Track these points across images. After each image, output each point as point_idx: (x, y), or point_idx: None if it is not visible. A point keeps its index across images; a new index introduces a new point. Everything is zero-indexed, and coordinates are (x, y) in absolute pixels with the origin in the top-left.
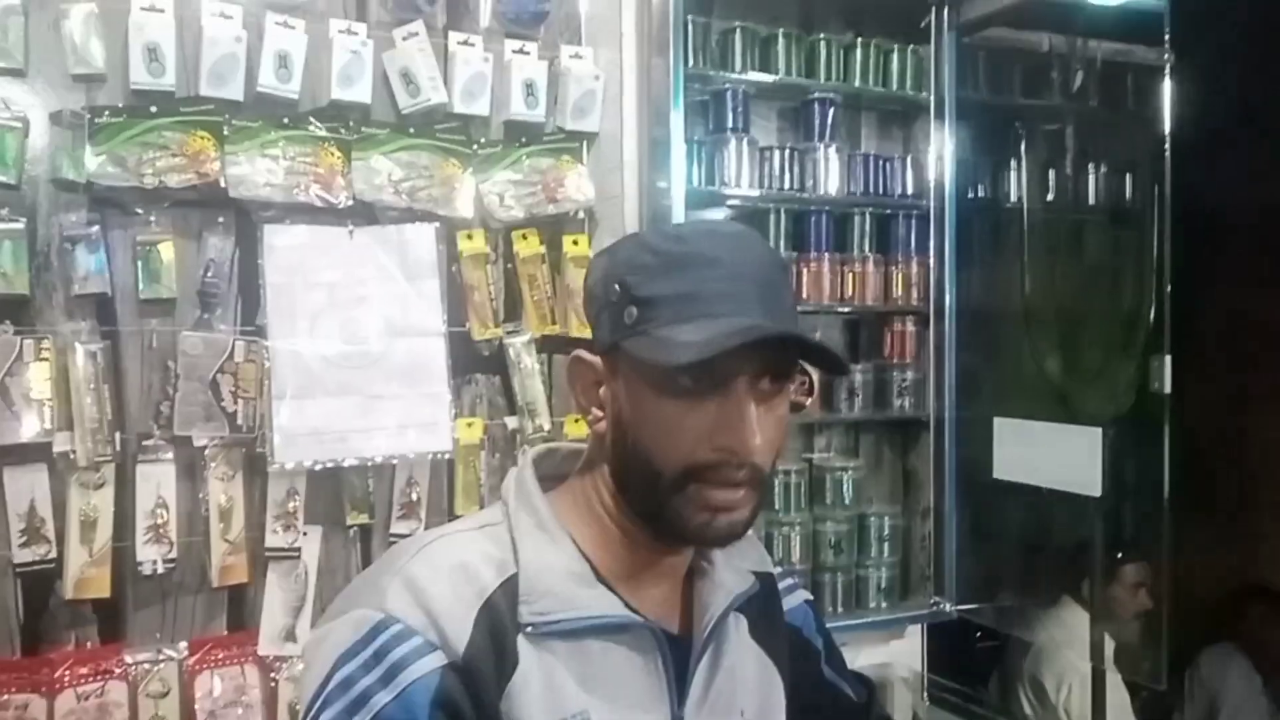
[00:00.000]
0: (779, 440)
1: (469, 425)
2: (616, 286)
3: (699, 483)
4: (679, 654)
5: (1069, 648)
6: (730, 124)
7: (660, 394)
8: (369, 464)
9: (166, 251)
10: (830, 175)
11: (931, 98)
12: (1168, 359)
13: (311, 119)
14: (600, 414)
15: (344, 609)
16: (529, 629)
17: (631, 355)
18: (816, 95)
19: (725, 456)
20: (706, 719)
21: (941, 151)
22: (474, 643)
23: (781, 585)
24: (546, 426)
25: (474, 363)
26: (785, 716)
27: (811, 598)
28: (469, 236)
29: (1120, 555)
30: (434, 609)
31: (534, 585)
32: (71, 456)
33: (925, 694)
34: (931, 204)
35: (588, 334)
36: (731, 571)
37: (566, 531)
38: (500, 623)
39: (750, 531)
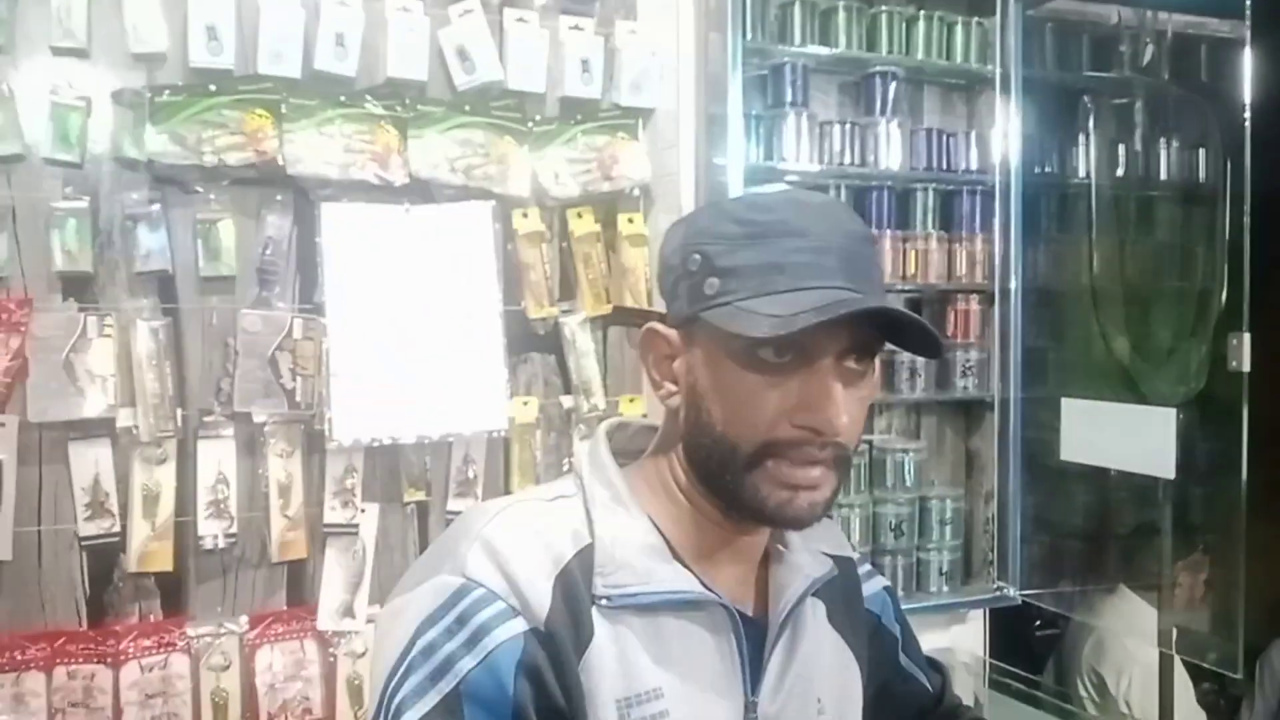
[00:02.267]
0: (862, 419)
1: (524, 404)
2: (697, 256)
3: (778, 459)
4: (754, 637)
5: (1129, 638)
6: (789, 98)
7: (742, 367)
8: (425, 441)
9: (226, 229)
10: (892, 150)
11: (996, 71)
12: (1246, 336)
13: (368, 97)
14: (674, 388)
15: (423, 577)
16: (604, 601)
17: (712, 327)
18: (877, 69)
19: (808, 435)
20: (782, 706)
21: (1006, 127)
22: (554, 609)
23: (861, 570)
24: (601, 405)
25: (529, 341)
26: (861, 705)
27: (890, 584)
28: (524, 215)
29: (1203, 547)
30: (515, 574)
31: (610, 557)
32: (134, 432)
33: (987, 680)
34: (996, 180)
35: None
36: (809, 555)
37: (641, 507)
38: (576, 593)
39: (829, 518)
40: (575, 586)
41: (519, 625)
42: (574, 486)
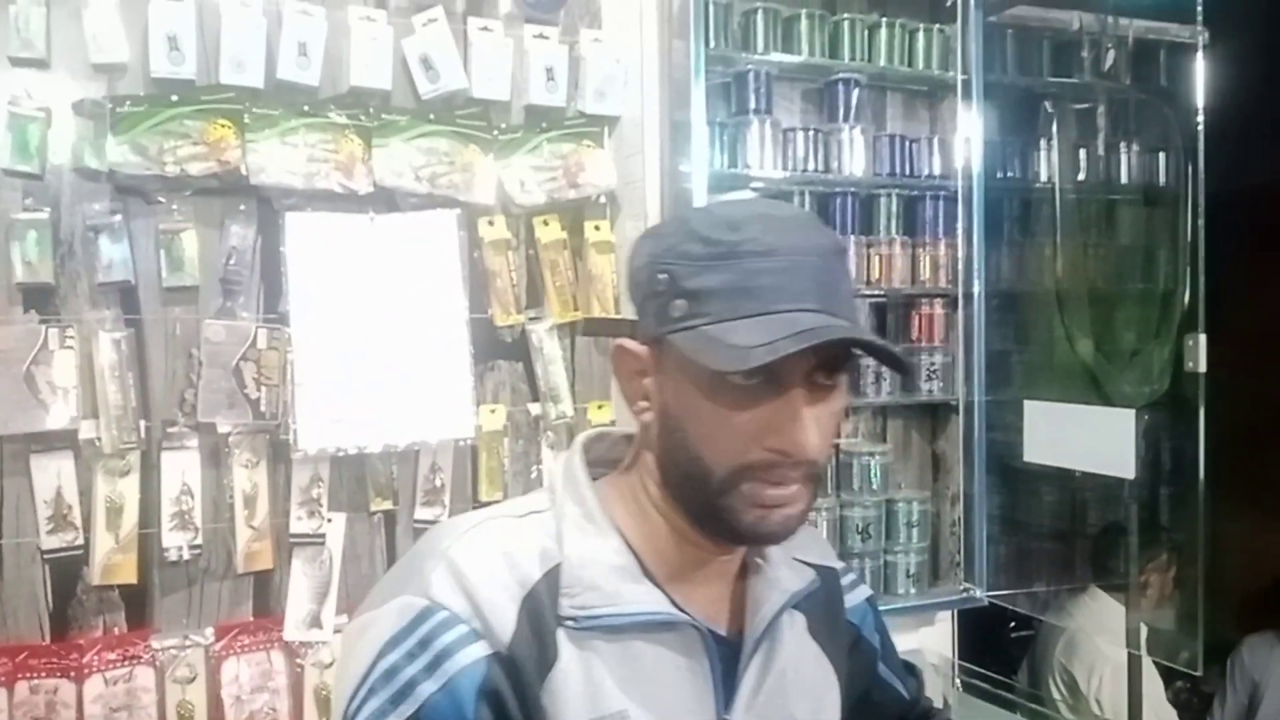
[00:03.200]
0: (833, 434)
1: (492, 412)
2: (663, 276)
3: (752, 481)
4: (728, 655)
5: (1099, 637)
6: (753, 105)
7: (710, 393)
8: (392, 450)
9: (189, 240)
10: (855, 156)
11: (958, 77)
12: (1202, 338)
13: (332, 106)
14: (646, 404)
15: (386, 596)
16: (570, 623)
17: (679, 351)
18: (840, 75)
19: (778, 458)
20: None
21: (969, 132)
22: (518, 633)
23: (844, 580)
24: (569, 412)
25: (496, 349)
26: (840, 718)
27: (872, 594)
28: (490, 223)
29: (1169, 547)
30: (479, 597)
31: (577, 578)
32: (97, 444)
33: (956, 681)
34: (959, 185)
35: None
36: (788, 567)
37: (614, 524)
38: (541, 614)
39: (811, 525)
40: (541, 609)
41: (481, 649)
42: (547, 501)
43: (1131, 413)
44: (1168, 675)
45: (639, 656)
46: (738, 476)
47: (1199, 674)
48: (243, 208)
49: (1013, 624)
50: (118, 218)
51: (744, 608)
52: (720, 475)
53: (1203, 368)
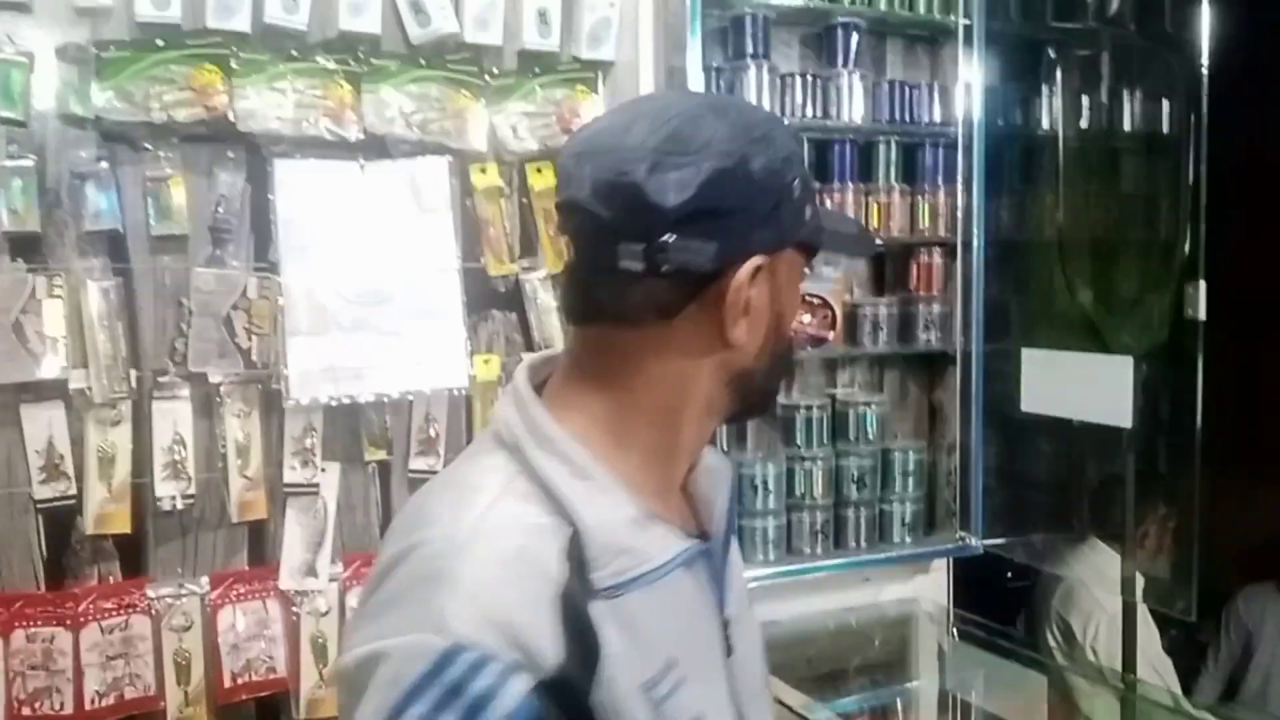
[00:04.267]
0: None
1: (486, 362)
2: (798, 181)
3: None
4: (708, 554)
5: (1096, 587)
6: (750, 50)
7: (797, 285)
8: (385, 400)
9: (177, 188)
10: (854, 103)
11: (960, 22)
12: (1202, 284)
13: (320, 51)
14: (746, 319)
15: (392, 628)
16: (604, 594)
17: (795, 253)
18: (840, 20)
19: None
20: (737, 607)
21: (970, 78)
22: (562, 645)
23: None
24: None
25: (490, 299)
26: None
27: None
28: (482, 170)
29: (1165, 496)
30: (513, 623)
31: (603, 546)
32: (87, 393)
33: (952, 629)
34: (960, 132)
35: None
36: (711, 453)
37: (604, 472)
38: (575, 604)
39: None
40: (573, 597)
41: (523, 685)
42: (512, 462)
43: (1129, 361)
44: (1162, 624)
45: (665, 595)
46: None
47: (1193, 620)
48: (231, 155)
49: (1009, 574)
50: (104, 165)
51: (695, 506)
52: (790, 356)
53: (1203, 315)
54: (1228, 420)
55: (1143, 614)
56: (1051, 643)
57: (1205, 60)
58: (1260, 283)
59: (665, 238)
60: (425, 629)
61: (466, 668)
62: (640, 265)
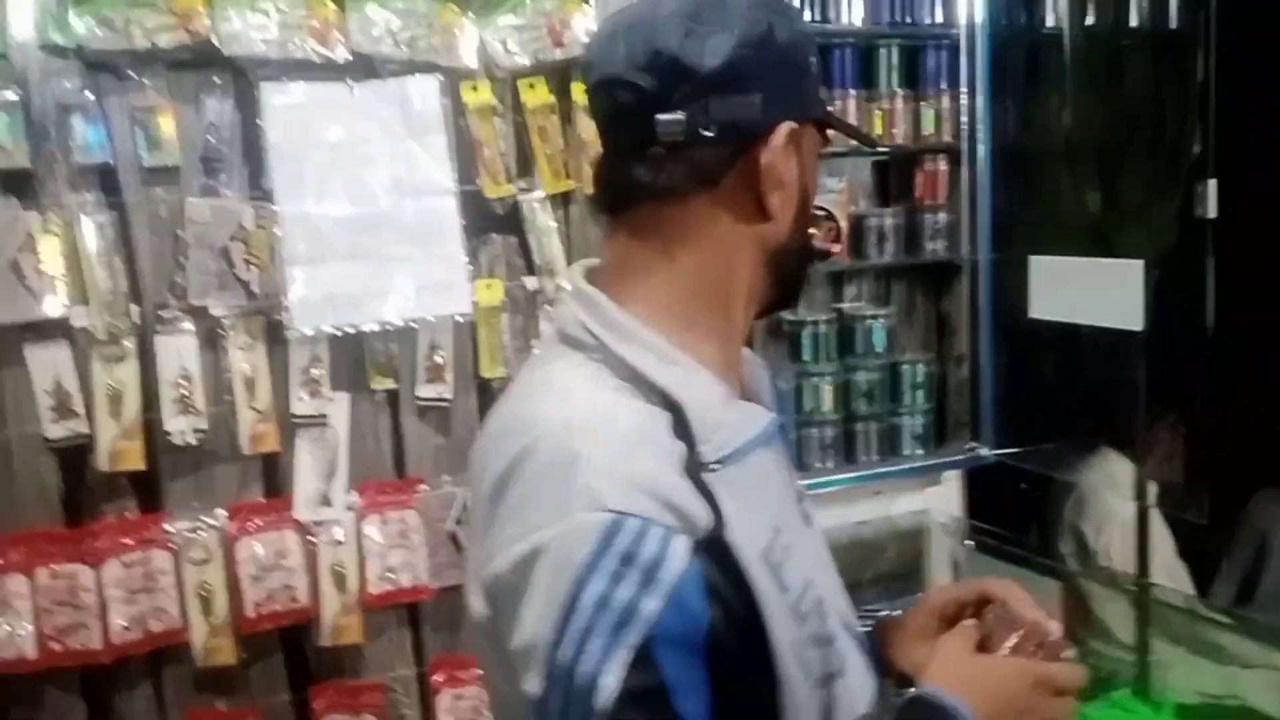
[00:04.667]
0: None
1: (488, 287)
2: (813, 59)
3: None
4: (781, 430)
5: (1109, 494)
6: None
7: (817, 163)
8: (388, 328)
9: (165, 117)
10: (854, 5)
11: None
12: (1212, 183)
13: None
14: (780, 192)
15: (540, 520)
16: (715, 466)
17: (815, 129)
18: None
19: None
20: (794, 478)
21: None
22: (705, 506)
23: None
24: (567, 286)
25: (489, 222)
26: None
27: None
28: (474, 88)
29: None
30: (660, 487)
31: (704, 422)
32: (91, 330)
33: (967, 540)
34: (963, 34)
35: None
36: (744, 350)
37: (685, 354)
38: (698, 475)
39: None
40: (695, 469)
41: (685, 545)
42: (590, 362)
43: (1139, 264)
44: (1177, 530)
45: (759, 467)
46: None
47: (1206, 523)
48: (217, 81)
49: (1023, 484)
50: (90, 96)
51: (746, 394)
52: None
53: (1212, 214)
54: (1244, 322)
55: (1157, 520)
56: (1065, 550)
57: None
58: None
59: (703, 102)
60: (579, 509)
61: (632, 536)
62: (681, 133)
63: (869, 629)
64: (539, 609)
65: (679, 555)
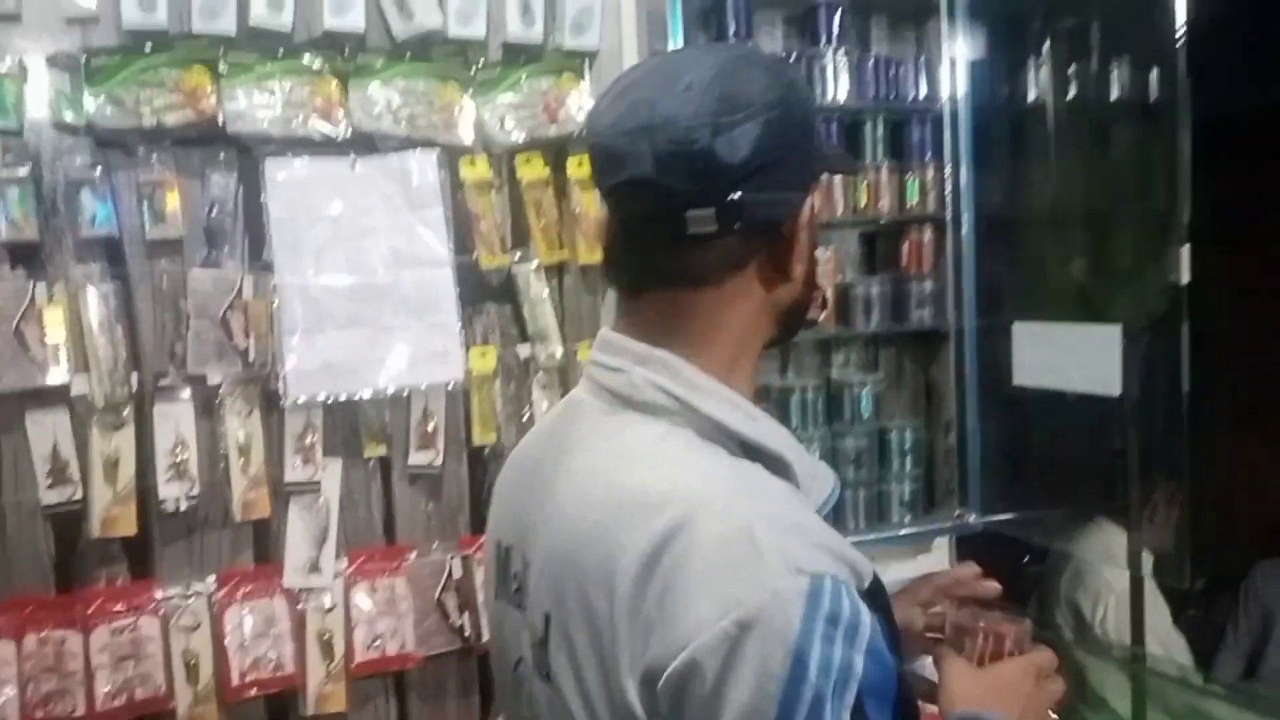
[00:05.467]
0: None
1: (482, 355)
2: (822, 125)
3: None
4: None
5: (1105, 567)
6: (733, 31)
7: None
8: (383, 395)
9: (171, 192)
10: (840, 82)
11: None
12: (1185, 249)
13: (306, 50)
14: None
15: (732, 598)
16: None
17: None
18: (822, 0)
19: None
20: None
21: (954, 53)
22: (863, 556)
23: None
24: (559, 353)
25: (484, 292)
26: None
27: None
28: (471, 163)
29: (1161, 466)
30: (831, 544)
31: (804, 473)
32: (90, 399)
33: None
34: (945, 107)
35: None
36: None
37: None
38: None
39: None
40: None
41: (857, 597)
42: (674, 425)
43: (1117, 329)
44: (1181, 604)
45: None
46: None
47: (1186, 585)
48: (222, 157)
49: (1026, 558)
50: (99, 171)
51: None
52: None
53: (1185, 279)
54: (1244, 393)
55: (1152, 592)
56: (1061, 623)
57: (1181, 26)
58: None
59: (734, 195)
60: (778, 578)
61: (830, 595)
62: (714, 227)
63: None
64: (754, 682)
65: (864, 608)
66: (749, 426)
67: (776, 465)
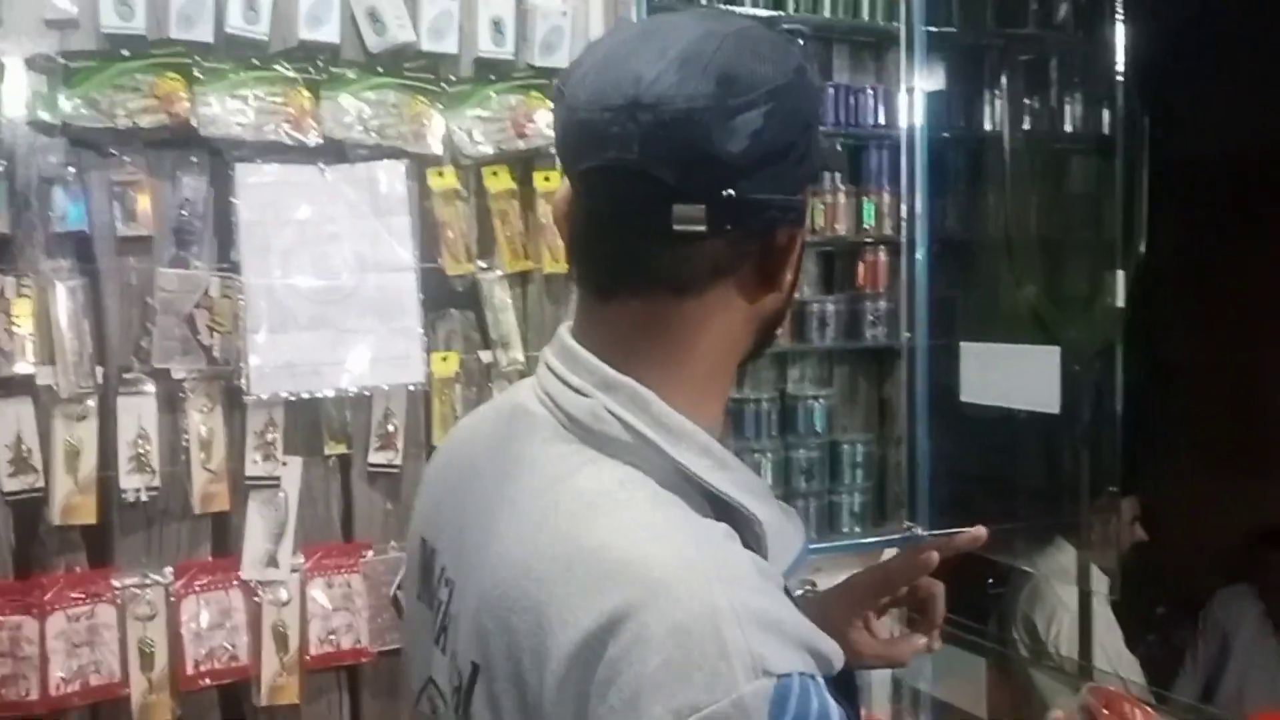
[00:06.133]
0: None
1: (444, 359)
2: (824, 142)
3: None
4: None
5: (1060, 585)
6: None
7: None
8: (345, 395)
9: (142, 192)
10: None
11: (903, 28)
12: (1120, 274)
13: (281, 60)
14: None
15: (692, 699)
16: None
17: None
18: (784, 28)
19: None
20: None
21: (912, 82)
22: (831, 643)
23: None
24: (521, 359)
25: (448, 298)
26: None
27: None
28: (440, 174)
29: (1110, 489)
30: (799, 632)
31: (776, 538)
32: (55, 389)
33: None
34: (903, 135)
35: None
36: None
37: (728, 452)
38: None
39: None
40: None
41: (827, 693)
42: (634, 470)
43: (1056, 349)
44: (1142, 630)
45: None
46: None
47: (1116, 596)
48: (194, 160)
49: (990, 580)
50: (72, 170)
51: None
52: None
53: (1121, 302)
54: (1208, 421)
55: (1105, 612)
56: (1018, 640)
57: (1120, 66)
58: (1240, 299)
59: (728, 191)
60: (742, 683)
61: (798, 697)
62: (702, 226)
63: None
64: None
65: (831, 705)
66: (718, 478)
67: (743, 522)
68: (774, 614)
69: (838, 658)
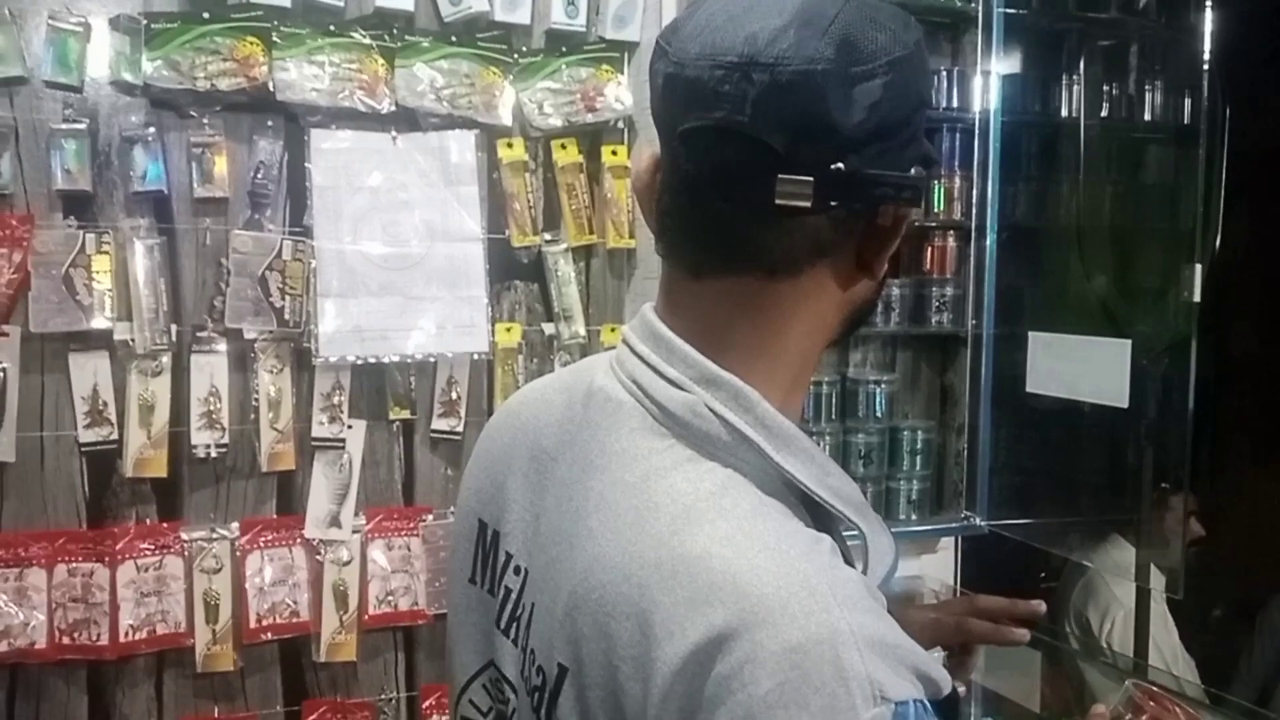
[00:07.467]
0: None
1: (508, 330)
2: (927, 114)
3: None
4: None
5: (1115, 582)
6: None
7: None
8: (409, 361)
9: (219, 154)
10: None
11: (980, 10)
12: (1198, 267)
13: (357, 27)
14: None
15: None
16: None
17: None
18: None
19: None
20: None
21: (988, 66)
22: (940, 670)
23: None
24: (582, 333)
25: (513, 269)
26: None
27: None
28: (509, 144)
29: (1164, 485)
30: (912, 658)
31: (877, 552)
32: (131, 344)
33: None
34: (976, 119)
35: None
36: None
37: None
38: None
39: None
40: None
41: (936, 717)
42: (734, 473)
43: (1128, 343)
44: (1198, 631)
45: None
46: None
47: (1179, 596)
48: (270, 124)
49: (1043, 574)
50: (152, 130)
51: None
52: None
53: (1197, 297)
54: (1277, 420)
55: (1162, 611)
56: (1069, 632)
57: (1207, 55)
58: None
59: (837, 166)
60: (860, 710)
61: None
62: (807, 201)
63: None
64: None
65: None
66: (823, 487)
67: (842, 533)
68: (890, 638)
69: (946, 683)
